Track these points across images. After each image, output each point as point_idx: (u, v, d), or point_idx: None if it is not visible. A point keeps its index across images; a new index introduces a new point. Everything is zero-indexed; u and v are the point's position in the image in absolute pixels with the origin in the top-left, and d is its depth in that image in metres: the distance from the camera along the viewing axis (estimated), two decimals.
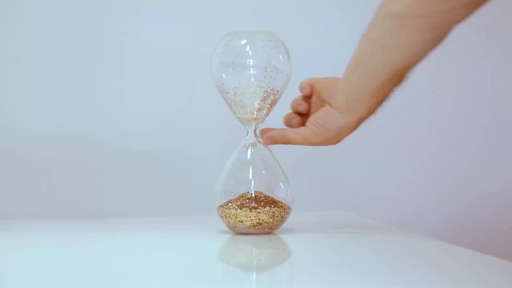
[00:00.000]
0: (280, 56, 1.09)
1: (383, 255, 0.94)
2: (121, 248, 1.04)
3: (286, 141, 1.05)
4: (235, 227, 1.08)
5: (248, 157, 1.11)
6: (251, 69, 1.07)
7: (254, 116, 1.11)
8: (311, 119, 1.04)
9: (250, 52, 1.08)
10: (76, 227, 1.25)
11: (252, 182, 1.09)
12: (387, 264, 0.88)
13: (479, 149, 1.64)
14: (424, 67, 1.59)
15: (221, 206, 1.09)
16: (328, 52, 1.60)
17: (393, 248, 1.00)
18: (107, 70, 1.52)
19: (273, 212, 1.07)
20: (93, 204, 1.49)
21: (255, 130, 1.12)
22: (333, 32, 1.60)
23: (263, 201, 1.07)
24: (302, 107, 1.06)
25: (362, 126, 1.56)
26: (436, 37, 0.87)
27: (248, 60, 1.07)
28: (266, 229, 1.08)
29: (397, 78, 0.93)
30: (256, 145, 1.11)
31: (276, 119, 1.40)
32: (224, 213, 1.09)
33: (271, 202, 1.07)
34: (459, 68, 1.63)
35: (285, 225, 1.12)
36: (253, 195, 1.07)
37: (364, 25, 1.56)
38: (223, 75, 1.08)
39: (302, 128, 1.05)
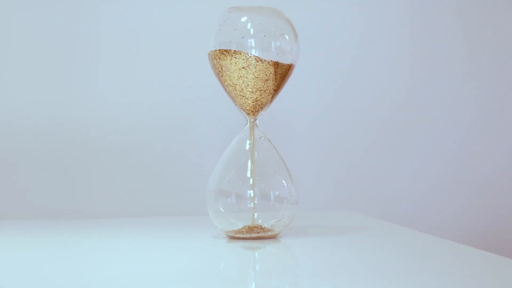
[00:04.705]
0: (286, 35, 1.03)
1: (392, 258, 0.93)
2: (109, 250, 1.02)
3: None
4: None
5: (247, 151, 1.05)
6: (253, 50, 1.01)
7: (255, 104, 1.05)
8: None
9: (252, 31, 1.02)
10: (58, 228, 1.24)
11: (251, 180, 1.03)
12: (397, 268, 0.87)
13: (482, 144, 1.62)
14: (453, 65, 1.57)
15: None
16: (337, 33, 1.56)
17: (403, 250, 0.99)
18: (88, 54, 1.46)
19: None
20: (72, 204, 1.45)
21: (256, 120, 1.06)
22: (343, 13, 1.58)
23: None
24: None
25: (374, 124, 1.53)
26: None
27: (249, 40, 1.02)
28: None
29: None
30: (256, 137, 1.06)
31: (280, 108, 1.32)
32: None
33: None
34: (488, 67, 1.61)
35: (288, 226, 1.08)
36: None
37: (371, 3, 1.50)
38: (221, 56, 1.02)
39: None
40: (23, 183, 1.44)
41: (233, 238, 1.04)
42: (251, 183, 1.03)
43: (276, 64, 1.02)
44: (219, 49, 1.02)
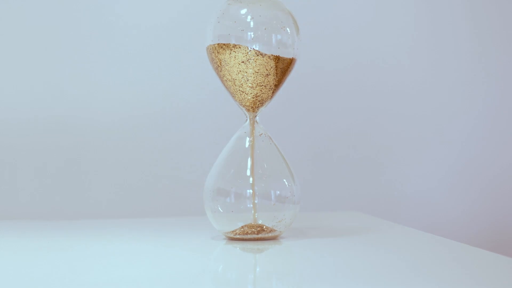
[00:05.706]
0: (288, 28, 1.02)
1: (397, 259, 0.93)
2: (105, 251, 1.02)
3: None
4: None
5: (246, 149, 1.04)
6: (253, 43, 1.00)
7: (255, 99, 1.04)
8: None
9: (252, 23, 1.00)
10: (55, 229, 1.24)
11: (250, 179, 1.03)
12: (402, 268, 0.87)
13: (487, 143, 1.62)
14: (459, 63, 1.60)
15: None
16: (341, 27, 1.57)
17: (408, 251, 0.99)
18: (82, 52, 1.46)
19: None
20: (68, 204, 1.45)
21: (256, 116, 1.05)
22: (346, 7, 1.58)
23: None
24: None
25: (378, 122, 1.52)
26: None
27: (249, 33, 1.00)
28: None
29: None
30: (256, 134, 1.05)
31: (281, 104, 1.31)
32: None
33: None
34: (496, 67, 1.61)
35: (290, 227, 1.07)
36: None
37: None
38: (219, 50, 1.01)
39: None
40: (20, 183, 1.44)
41: (232, 239, 1.03)
42: (251, 182, 1.02)
43: (277, 58, 1.01)
44: (218, 43, 1.01)
